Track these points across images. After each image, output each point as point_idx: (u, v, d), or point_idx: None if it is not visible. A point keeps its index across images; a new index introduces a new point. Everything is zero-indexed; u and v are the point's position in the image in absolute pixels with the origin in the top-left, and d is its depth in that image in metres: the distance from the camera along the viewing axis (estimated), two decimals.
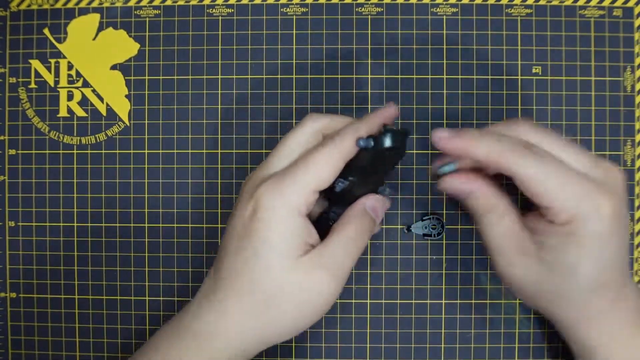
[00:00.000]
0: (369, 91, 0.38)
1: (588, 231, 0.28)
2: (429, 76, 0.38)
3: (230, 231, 0.30)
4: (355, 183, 0.31)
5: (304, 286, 0.29)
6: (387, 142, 0.29)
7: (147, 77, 0.39)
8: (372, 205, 0.31)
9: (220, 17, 0.38)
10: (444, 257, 0.38)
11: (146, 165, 0.39)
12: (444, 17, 0.38)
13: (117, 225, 0.39)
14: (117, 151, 0.39)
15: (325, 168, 0.29)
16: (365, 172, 0.30)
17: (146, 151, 0.39)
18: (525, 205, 0.32)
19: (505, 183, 0.32)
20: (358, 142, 0.29)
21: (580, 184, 0.28)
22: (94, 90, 0.39)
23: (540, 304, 0.30)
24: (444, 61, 0.38)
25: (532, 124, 0.30)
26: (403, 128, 0.30)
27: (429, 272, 0.38)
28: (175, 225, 0.38)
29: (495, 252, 0.30)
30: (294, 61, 0.38)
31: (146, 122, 0.39)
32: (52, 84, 0.39)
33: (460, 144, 0.29)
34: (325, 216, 0.32)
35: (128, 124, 0.39)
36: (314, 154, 0.29)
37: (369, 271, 0.38)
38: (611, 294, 0.29)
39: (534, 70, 0.38)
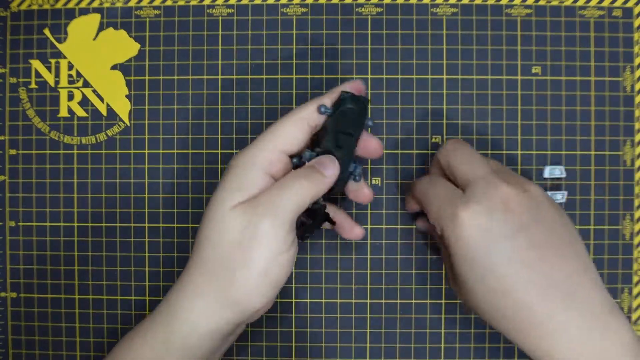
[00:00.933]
0: (369, 91, 0.38)
1: (452, 241, 0.29)
2: (429, 76, 0.38)
3: None
4: (323, 154, 0.31)
5: (244, 230, 0.29)
6: (346, 103, 0.31)
7: (147, 77, 0.39)
8: (318, 159, 0.31)
9: (220, 17, 0.38)
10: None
11: (146, 165, 0.39)
12: (444, 17, 0.38)
13: (117, 225, 0.39)
14: (118, 151, 0.39)
15: (288, 129, 0.31)
16: (332, 140, 0.31)
17: (146, 151, 0.39)
18: None
19: None
20: (319, 109, 0.31)
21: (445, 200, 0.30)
22: (94, 91, 0.39)
23: (498, 328, 0.30)
24: (444, 61, 0.38)
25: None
26: (363, 96, 0.32)
27: (428, 272, 0.38)
28: (175, 225, 0.39)
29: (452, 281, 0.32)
30: (294, 61, 0.38)
31: (146, 122, 0.39)
32: (52, 84, 0.39)
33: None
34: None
35: (128, 124, 0.39)
36: (280, 119, 0.31)
37: (369, 271, 0.38)
38: (544, 310, 0.28)
39: (533, 71, 0.38)
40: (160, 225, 0.39)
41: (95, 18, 0.39)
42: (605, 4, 0.38)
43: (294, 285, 0.38)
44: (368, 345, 0.38)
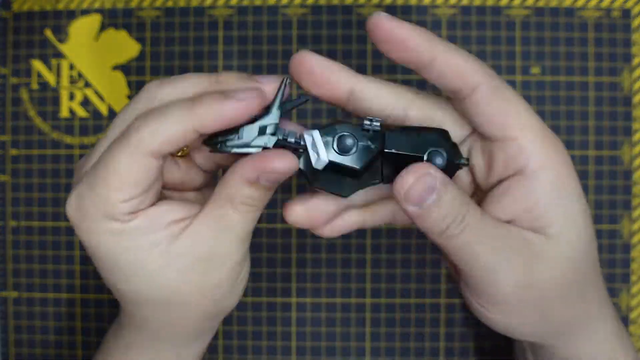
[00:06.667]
0: None
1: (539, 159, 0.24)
2: None
3: None
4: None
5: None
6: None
7: (148, 78, 0.39)
8: (249, 175, 0.23)
9: (221, 18, 0.39)
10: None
11: None
12: (443, 18, 0.38)
13: None
14: None
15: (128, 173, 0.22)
16: None
17: None
18: None
19: None
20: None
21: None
22: (95, 91, 0.39)
23: (520, 320, 0.26)
24: None
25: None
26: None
27: (427, 271, 0.38)
28: None
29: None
30: None
31: None
32: (53, 84, 0.39)
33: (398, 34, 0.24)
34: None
35: None
36: (108, 155, 0.23)
37: (369, 271, 0.38)
38: (589, 306, 0.27)
39: (532, 71, 0.38)
40: None
41: (97, 19, 0.39)
42: (604, 5, 0.38)
43: (293, 285, 0.38)
44: (367, 344, 0.38)
